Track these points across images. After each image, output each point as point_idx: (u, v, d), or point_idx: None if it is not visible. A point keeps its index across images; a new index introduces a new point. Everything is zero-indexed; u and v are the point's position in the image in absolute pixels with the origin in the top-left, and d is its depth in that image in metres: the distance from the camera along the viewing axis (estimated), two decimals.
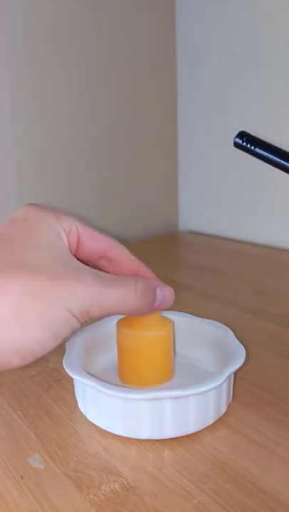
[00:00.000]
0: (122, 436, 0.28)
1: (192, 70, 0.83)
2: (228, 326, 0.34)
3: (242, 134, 0.33)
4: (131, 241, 0.78)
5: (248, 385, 0.33)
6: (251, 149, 0.33)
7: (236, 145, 0.33)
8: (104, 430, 0.28)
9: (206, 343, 0.34)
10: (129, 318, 0.31)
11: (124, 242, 0.30)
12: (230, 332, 0.33)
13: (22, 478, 0.25)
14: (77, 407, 0.31)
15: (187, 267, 0.69)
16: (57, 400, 0.32)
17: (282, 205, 0.71)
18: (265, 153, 0.33)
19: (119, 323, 0.32)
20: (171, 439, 0.28)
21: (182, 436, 0.28)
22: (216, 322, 0.35)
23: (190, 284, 0.57)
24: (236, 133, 0.33)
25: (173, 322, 0.32)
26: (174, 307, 0.37)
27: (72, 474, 0.25)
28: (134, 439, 0.28)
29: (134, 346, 0.31)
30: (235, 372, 0.30)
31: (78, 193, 0.77)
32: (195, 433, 0.28)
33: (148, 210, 0.86)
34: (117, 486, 0.24)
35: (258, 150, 0.33)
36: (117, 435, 0.28)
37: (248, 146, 0.33)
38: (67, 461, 0.26)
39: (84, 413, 0.30)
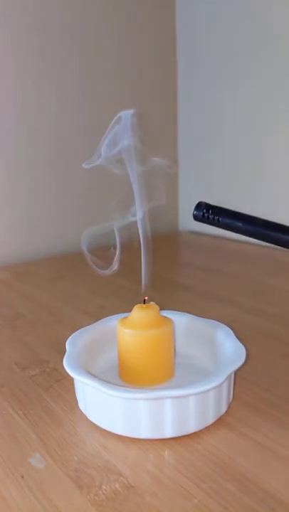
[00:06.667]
0: (123, 436, 0.28)
1: (192, 69, 0.83)
2: (228, 326, 0.34)
3: (199, 206, 0.29)
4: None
5: (248, 385, 0.33)
6: (214, 221, 0.29)
7: (196, 218, 0.29)
8: (105, 430, 0.29)
9: (206, 343, 0.34)
10: (129, 318, 0.31)
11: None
12: (231, 332, 0.33)
13: (22, 477, 0.25)
14: (78, 406, 0.31)
15: (187, 267, 0.69)
16: (57, 399, 0.32)
17: (282, 206, 0.71)
18: (231, 222, 0.29)
19: (119, 323, 0.32)
20: (172, 438, 0.28)
21: (182, 436, 0.28)
22: (216, 322, 0.35)
23: (190, 284, 0.57)
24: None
25: (173, 322, 0.32)
26: (174, 307, 0.37)
27: (72, 474, 0.25)
28: (134, 438, 0.28)
29: (134, 346, 0.31)
30: (235, 372, 0.30)
31: (78, 191, 0.77)
32: (195, 432, 0.28)
33: (148, 210, 0.86)
34: (117, 486, 0.24)
35: (222, 220, 0.29)
36: (117, 435, 0.28)
37: (211, 217, 0.29)
38: (67, 460, 0.26)
39: (84, 413, 0.30)
